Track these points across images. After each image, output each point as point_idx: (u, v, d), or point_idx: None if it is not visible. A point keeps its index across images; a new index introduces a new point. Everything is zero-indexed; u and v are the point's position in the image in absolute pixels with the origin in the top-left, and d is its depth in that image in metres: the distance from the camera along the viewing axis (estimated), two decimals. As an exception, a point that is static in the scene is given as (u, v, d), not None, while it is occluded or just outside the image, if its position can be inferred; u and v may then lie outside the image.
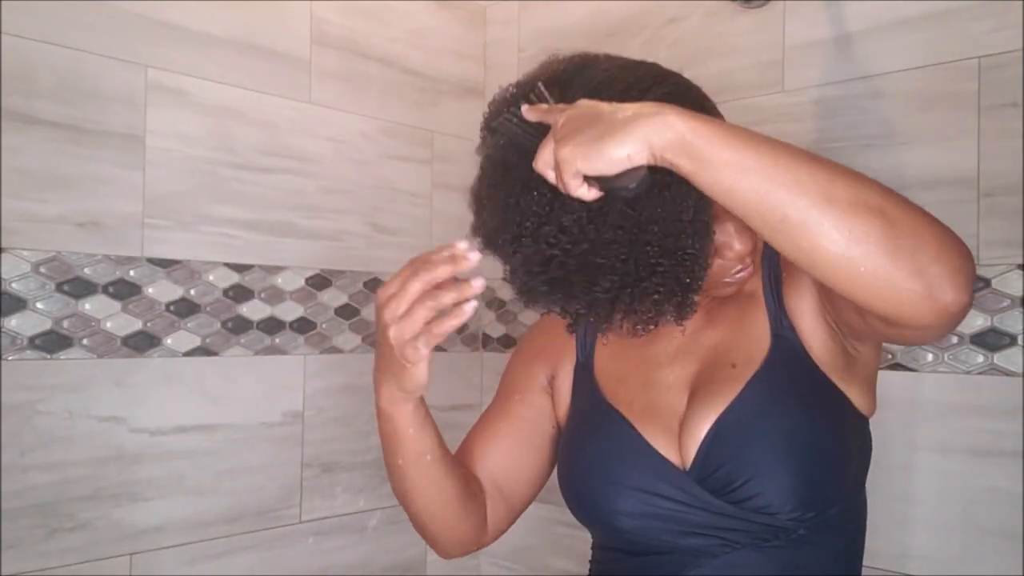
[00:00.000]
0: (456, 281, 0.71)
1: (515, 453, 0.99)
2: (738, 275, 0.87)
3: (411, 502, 0.91)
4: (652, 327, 0.83)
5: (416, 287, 0.70)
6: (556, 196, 0.75)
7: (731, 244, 0.84)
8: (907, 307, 0.64)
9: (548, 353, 1.02)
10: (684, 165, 0.66)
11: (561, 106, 0.74)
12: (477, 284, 0.71)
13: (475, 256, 0.71)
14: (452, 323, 0.70)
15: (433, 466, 0.87)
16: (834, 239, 0.63)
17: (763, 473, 0.81)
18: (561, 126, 0.71)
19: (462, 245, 0.71)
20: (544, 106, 0.76)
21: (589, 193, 0.71)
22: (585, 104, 0.72)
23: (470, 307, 0.70)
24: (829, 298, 0.84)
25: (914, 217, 0.64)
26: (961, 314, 0.65)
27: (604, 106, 0.70)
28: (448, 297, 0.70)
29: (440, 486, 0.89)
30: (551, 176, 0.72)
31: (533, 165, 0.73)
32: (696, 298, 0.82)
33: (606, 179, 0.69)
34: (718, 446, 0.83)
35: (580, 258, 0.77)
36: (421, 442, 0.85)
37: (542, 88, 0.78)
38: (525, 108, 0.76)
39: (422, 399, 0.83)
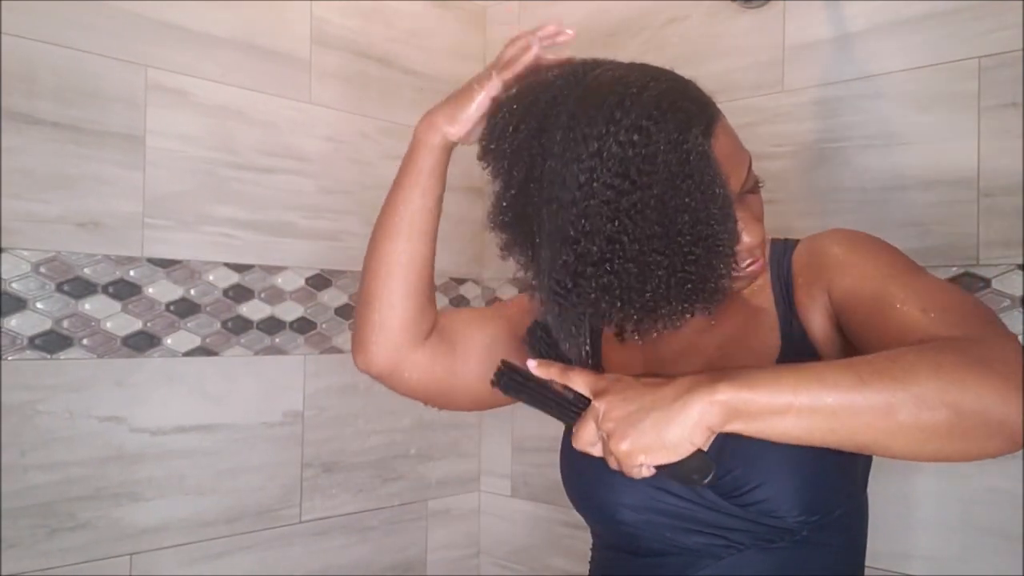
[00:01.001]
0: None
1: (481, 329, 0.98)
2: (748, 268, 0.85)
3: (381, 243, 0.91)
4: (684, 319, 0.81)
5: (521, 45, 0.89)
6: (585, 208, 0.75)
7: (740, 237, 0.83)
8: (1001, 451, 0.67)
9: None
10: (748, 431, 0.68)
11: (587, 378, 0.75)
12: (571, 31, 0.89)
13: (570, 31, 0.90)
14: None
15: (420, 209, 0.91)
16: (905, 451, 0.67)
17: (772, 479, 0.80)
18: (605, 415, 0.71)
19: (551, 27, 0.90)
20: (557, 367, 0.77)
21: (650, 471, 0.72)
22: (623, 386, 0.72)
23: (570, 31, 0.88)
24: (849, 327, 0.83)
25: (978, 387, 0.64)
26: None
27: (645, 389, 0.71)
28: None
29: (414, 234, 0.91)
30: (595, 452, 0.73)
31: (573, 444, 0.74)
32: (727, 283, 0.81)
33: (672, 465, 0.70)
34: (729, 450, 0.82)
35: (625, 259, 0.76)
36: (428, 177, 0.91)
37: (506, 365, 0.78)
38: (534, 364, 0.77)
39: (447, 158, 0.92)
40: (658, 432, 0.68)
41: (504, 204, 0.83)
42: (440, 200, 0.93)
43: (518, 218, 0.83)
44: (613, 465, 0.72)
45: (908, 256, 0.84)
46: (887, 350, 0.69)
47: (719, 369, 0.74)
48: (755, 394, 0.67)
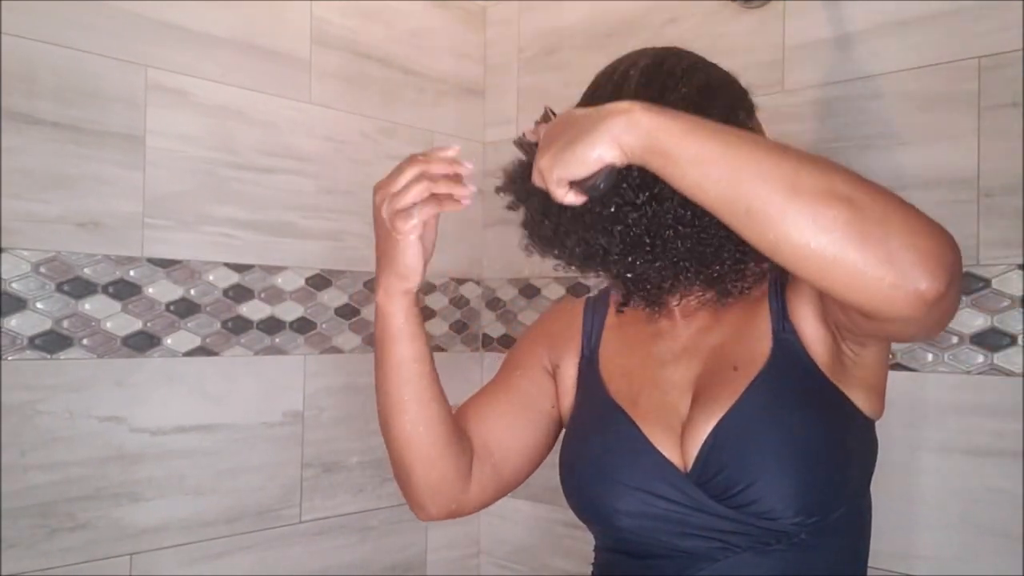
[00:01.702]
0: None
1: (510, 422, 0.98)
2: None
3: (394, 419, 0.88)
4: (737, 293, 0.82)
5: (412, 170, 0.78)
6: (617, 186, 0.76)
7: None
8: (879, 297, 0.63)
9: (554, 341, 1.02)
10: (653, 162, 0.67)
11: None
12: (470, 165, 0.78)
13: (469, 166, 0.78)
14: (449, 206, 0.78)
15: (421, 377, 0.87)
16: (800, 228, 0.63)
17: (763, 479, 0.80)
18: (542, 137, 0.74)
19: (452, 152, 0.78)
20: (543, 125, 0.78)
21: (577, 199, 0.73)
22: (563, 113, 0.75)
23: (467, 196, 0.78)
24: (822, 299, 0.84)
25: (885, 204, 0.63)
26: (941, 304, 0.63)
27: (579, 112, 0.72)
28: (442, 182, 0.77)
29: (426, 404, 0.88)
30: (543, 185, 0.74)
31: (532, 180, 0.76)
32: (765, 266, 0.82)
33: (582, 181, 0.71)
34: (718, 451, 0.82)
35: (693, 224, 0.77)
36: (412, 344, 0.86)
37: (550, 110, 0.80)
38: (528, 129, 0.79)
39: (417, 303, 0.86)
40: (572, 143, 0.69)
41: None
42: (431, 356, 0.89)
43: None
44: (537, 181, 0.74)
45: None
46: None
47: (715, 368, 0.74)
48: (675, 125, 0.66)
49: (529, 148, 0.80)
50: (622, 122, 0.68)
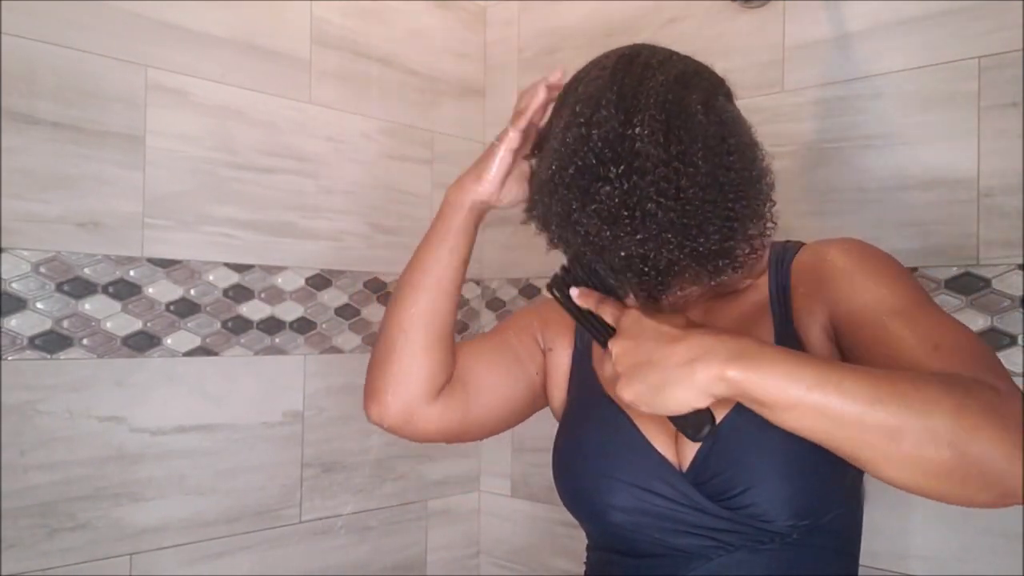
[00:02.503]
0: None
1: (492, 367, 0.99)
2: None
3: (404, 300, 0.94)
4: (708, 280, 0.83)
5: (537, 93, 0.92)
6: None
7: None
8: (984, 505, 0.67)
9: (548, 325, 1.03)
10: (750, 407, 0.70)
11: (615, 310, 0.80)
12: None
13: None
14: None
15: (448, 267, 0.94)
16: (904, 473, 0.66)
17: (760, 484, 0.80)
18: (617, 358, 0.76)
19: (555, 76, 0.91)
20: (595, 296, 0.82)
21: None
22: (638, 330, 0.75)
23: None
24: (852, 351, 0.83)
25: (986, 440, 0.64)
26: None
27: (657, 341, 0.73)
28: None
29: (439, 295, 0.93)
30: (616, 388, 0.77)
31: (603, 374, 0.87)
32: (757, 245, 0.83)
33: (672, 417, 0.75)
34: (716, 453, 0.82)
35: (685, 201, 0.77)
36: (455, 238, 0.94)
37: (575, 269, 0.85)
38: (575, 293, 0.83)
39: (478, 220, 0.95)
40: (660, 391, 0.71)
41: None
42: (467, 260, 0.96)
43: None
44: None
45: (913, 278, 0.83)
46: (911, 372, 0.68)
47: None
48: (767, 382, 0.67)
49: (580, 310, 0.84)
50: (712, 379, 0.68)
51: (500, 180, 0.93)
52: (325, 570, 1.48)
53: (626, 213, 0.77)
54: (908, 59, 1.18)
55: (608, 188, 0.77)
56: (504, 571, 1.71)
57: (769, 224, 0.84)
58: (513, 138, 0.92)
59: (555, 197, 0.81)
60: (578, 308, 0.83)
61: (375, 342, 0.98)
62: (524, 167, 0.95)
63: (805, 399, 0.66)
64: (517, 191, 0.95)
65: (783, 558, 0.82)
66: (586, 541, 1.00)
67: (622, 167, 0.76)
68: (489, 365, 0.99)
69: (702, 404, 0.70)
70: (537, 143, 0.93)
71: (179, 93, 1.30)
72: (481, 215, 0.96)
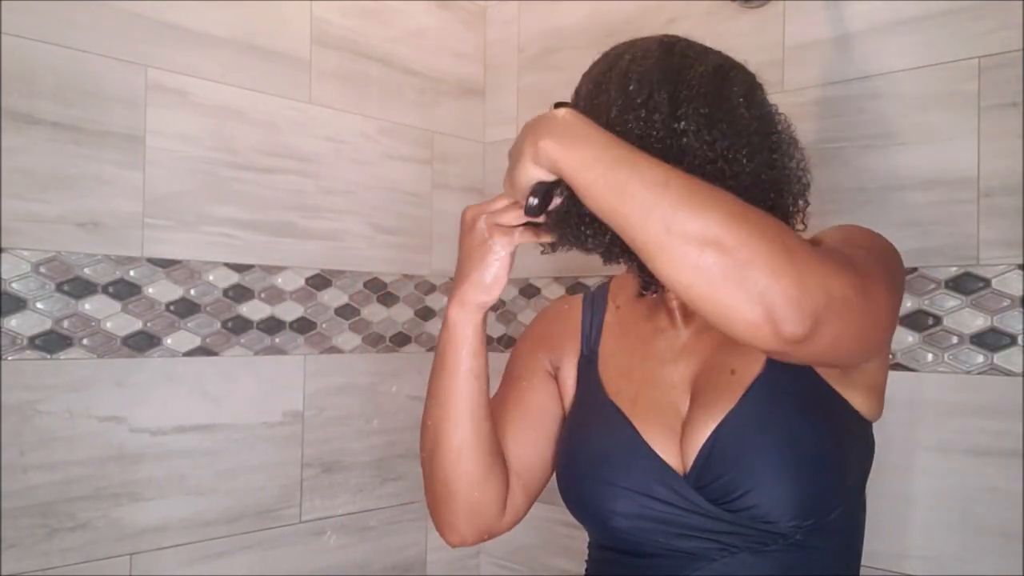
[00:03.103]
0: None
1: (527, 439, 0.97)
2: None
3: (446, 434, 0.88)
4: None
5: (507, 199, 0.84)
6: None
7: None
8: (747, 334, 0.65)
9: (552, 342, 1.02)
10: (568, 181, 0.73)
11: None
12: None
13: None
14: (543, 239, 0.86)
15: (479, 393, 0.88)
16: (672, 267, 0.66)
17: (762, 485, 0.80)
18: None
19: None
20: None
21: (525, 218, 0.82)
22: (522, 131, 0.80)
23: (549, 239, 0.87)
24: None
25: (754, 247, 0.63)
26: (811, 344, 0.64)
27: (521, 134, 0.77)
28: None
29: (479, 421, 0.88)
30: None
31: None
32: None
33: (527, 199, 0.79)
34: (717, 456, 0.82)
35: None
36: (475, 359, 0.87)
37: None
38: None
39: (485, 323, 0.88)
40: (512, 171, 0.77)
41: None
42: (486, 365, 0.90)
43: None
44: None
45: (884, 255, 0.81)
46: (728, 193, 0.68)
47: (713, 370, 0.74)
48: (571, 156, 0.71)
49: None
50: (532, 147, 0.73)
51: (505, 282, 0.86)
52: (325, 570, 1.48)
53: None
54: (908, 59, 1.18)
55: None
56: (504, 571, 1.71)
57: (799, 226, 0.83)
58: (513, 241, 0.84)
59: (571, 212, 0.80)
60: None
61: (428, 473, 0.92)
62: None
63: (600, 177, 0.68)
64: (506, 280, 0.88)
65: (786, 559, 0.82)
66: (587, 540, 1.00)
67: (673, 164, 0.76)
68: (526, 442, 0.97)
69: (537, 175, 0.75)
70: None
71: (179, 93, 1.30)
72: (487, 317, 0.90)
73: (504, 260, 0.84)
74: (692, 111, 0.77)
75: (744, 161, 0.77)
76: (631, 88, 0.80)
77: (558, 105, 0.83)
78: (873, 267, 0.73)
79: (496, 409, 0.97)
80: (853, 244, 0.78)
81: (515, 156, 0.77)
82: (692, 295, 0.66)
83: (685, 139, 0.77)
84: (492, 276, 0.84)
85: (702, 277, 0.64)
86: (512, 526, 0.97)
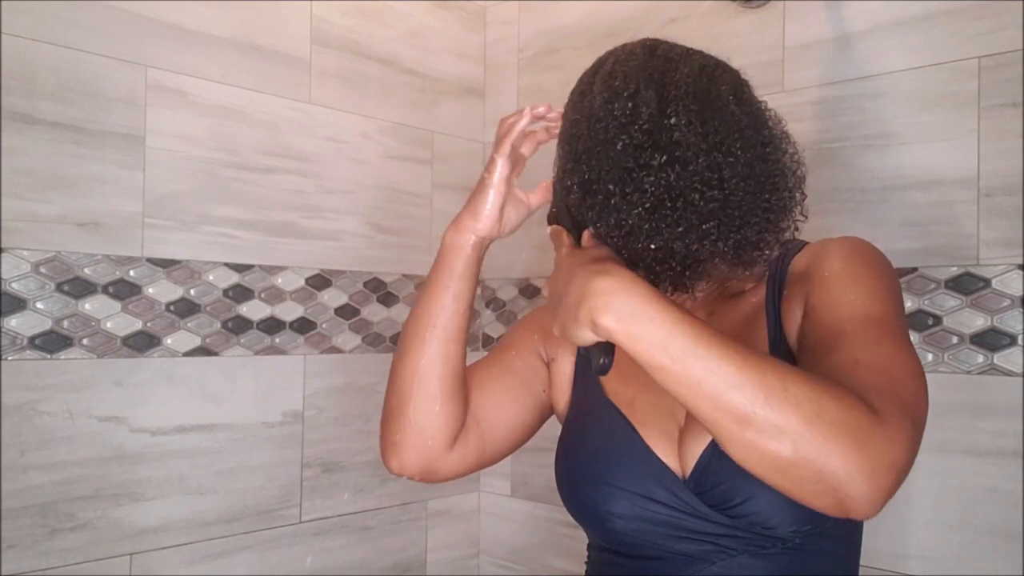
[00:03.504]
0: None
1: (501, 399, 0.98)
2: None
3: (412, 349, 0.90)
4: (730, 270, 0.83)
5: (515, 120, 0.91)
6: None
7: None
8: (822, 510, 0.67)
9: (549, 335, 1.01)
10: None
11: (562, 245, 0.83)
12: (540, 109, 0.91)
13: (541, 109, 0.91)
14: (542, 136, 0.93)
15: (455, 314, 0.90)
16: (744, 456, 0.66)
17: (762, 493, 0.79)
18: (548, 292, 0.79)
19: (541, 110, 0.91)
20: (557, 232, 0.86)
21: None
22: (557, 266, 0.79)
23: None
24: (800, 342, 0.82)
25: (832, 446, 0.64)
26: (876, 510, 0.67)
27: (563, 281, 0.75)
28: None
29: (448, 341, 0.90)
30: None
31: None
32: (780, 239, 0.82)
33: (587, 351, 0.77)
34: (717, 462, 0.82)
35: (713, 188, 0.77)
36: (458, 282, 0.90)
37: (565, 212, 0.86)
38: (548, 230, 0.88)
39: (479, 254, 0.92)
40: (567, 325, 0.73)
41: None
42: (472, 303, 0.93)
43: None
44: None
45: (895, 291, 0.81)
46: (794, 367, 0.68)
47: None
48: (636, 344, 0.68)
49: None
50: (591, 320, 0.70)
51: (498, 212, 0.90)
52: (325, 570, 1.48)
53: (669, 204, 0.76)
54: (908, 59, 1.18)
55: (652, 178, 0.76)
56: (504, 571, 1.71)
57: (799, 217, 0.83)
58: (502, 166, 0.89)
59: (594, 175, 0.78)
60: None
61: (387, 391, 0.94)
62: (516, 192, 0.93)
63: (669, 367, 0.67)
64: (515, 218, 0.93)
65: (785, 562, 0.82)
66: (587, 540, 1.00)
67: (664, 157, 0.76)
68: (499, 398, 0.98)
69: (594, 340, 0.72)
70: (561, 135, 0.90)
71: (179, 93, 1.30)
72: (483, 252, 0.93)
73: (496, 187, 0.89)
74: (682, 108, 0.77)
75: (739, 153, 0.76)
76: (616, 83, 0.80)
77: (551, 218, 0.87)
78: (913, 375, 0.73)
79: (478, 367, 0.99)
80: (876, 323, 0.77)
81: (567, 317, 0.73)
82: (762, 478, 0.67)
83: (676, 133, 0.76)
84: (484, 204, 0.90)
85: (775, 470, 0.65)
86: (457, 471, 0.95)
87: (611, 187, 0.77)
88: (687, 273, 0.80)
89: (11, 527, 1.13)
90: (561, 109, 0.89)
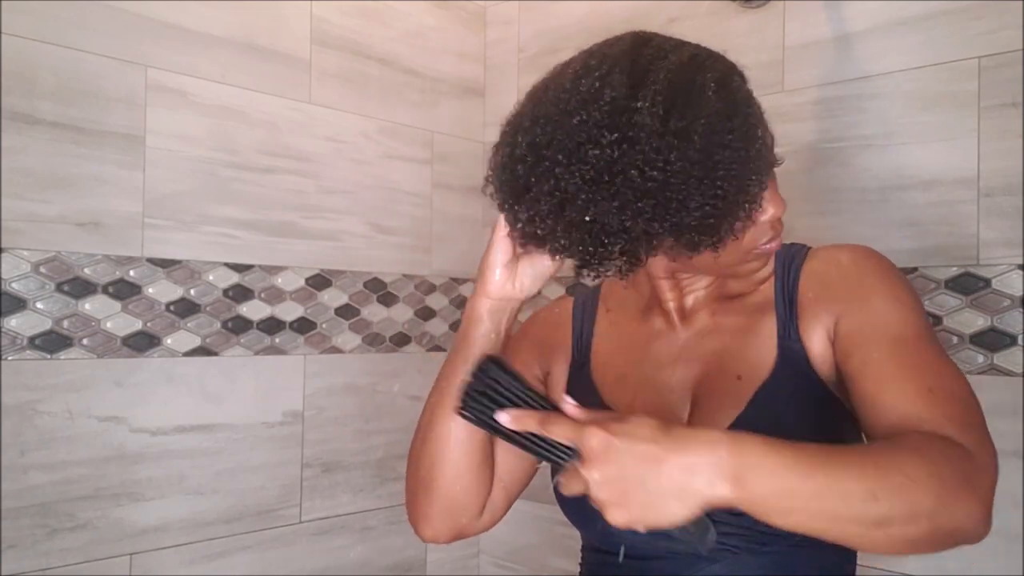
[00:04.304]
0: None
1: (514, 448, 0.97)
2: (766, 246, 0.85)
3: (440, 420, 0.88)
4: (680, 254, 0.81)
5: None
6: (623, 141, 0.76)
7: (765, 208, 0.83)
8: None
9: (543, 349, 1.01)
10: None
11: (570, 428, 0.70)
12: None
13: None
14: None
15: None
16: (885, 549, 0.72)
17: None
18: (597, 485, 0.68)
19: None
20: (535, 418, 0.72)
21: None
22: (615, 455, 0.67)
23: None
24: (844, 367, 0.82)
25: (959, 516, 0.71)
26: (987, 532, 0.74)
27: (641, 466, 0.66)
28: None
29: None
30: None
31: (561, 491, 0.72)
32: (740, 227, 0.80)
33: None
34: None
35: (665, 182, 0.75)
36: (477, 349, 0.87)
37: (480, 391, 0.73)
38: (507, 419, 0.72)
39: (497, 319, 0.87)
40: (655, 511, 0.66)
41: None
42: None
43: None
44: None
45: (919, 301, 0.84)
46: (893, 446, 0.71)
47: (717, 375, 0.74)
48: (763, 504, 0.66)
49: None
50: (705, 498, 0.65)
51: (505, 270, 0.86)
52: (325, 570, 1.48)
53: (607, 178, 0.75)
54: (908, 59, 1.18)
55: (597, 152, 0.75)
56: (504, 571, 1.71)
57: (753, 205, 0.80)
58: (505, 219, 0.84)
59: (545, 139, 0.77)
60: (509, 429, 0.71)
61: (411, 463, 0.92)
62: (536, 255, 0.87)
63: (803, 508, 0.67)
64: (532, 272, 0.86)
65: (786, 559, 0.82)
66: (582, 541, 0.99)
67: (616, 135, 0.75)
68: (508, 449, 0.94)
69: (697, 514, 0.67)
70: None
71: (179, 93, 1.30)
72: (505, 315, 0.88)
73: (498, 245, 0.85)
74: (653, 93, 0.76)
75: (697, 139, 0.75)
76: (592, 63, 0.79)
77: (481, 365, 0.74)
78: (968, 390, 0.79)
79: None
80: (925, 340, 0.80)
81: (657, 499, 0.66)
82: (901, 555, 0.75)
83: (636, 116, 0.75)
84: (487, 264, 0.86)
85: (915, 548, 0.72)
86: (488, 528, 0.97)
87: (560, 156, 0.76)
88: (622, 252, 0.78)
89: (11, 527, 1.13)
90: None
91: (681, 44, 0.84)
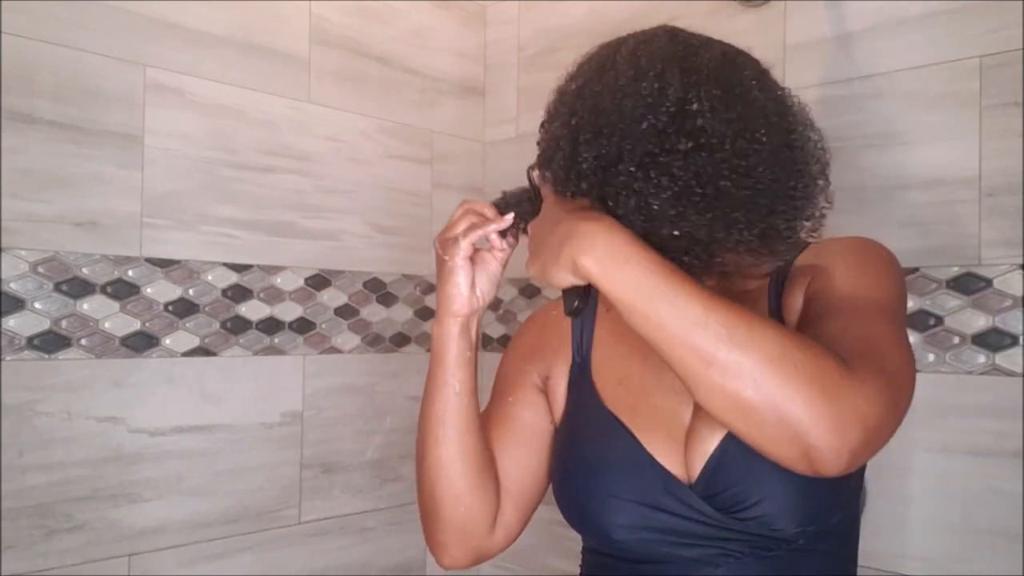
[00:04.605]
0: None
1: (517, 457, 0.96)
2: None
3: (430, 449, 0.90)
4: (745, 259, 0.81)
5: (460, 209, 0.89)
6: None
7: None
8: (784, 464, 0.68)
9: (541, 352, 1.00)
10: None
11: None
12: (508, 217, 0.88)
13: (509, 218, 0.88)
14: (491, 237, 0.89)
15: (461, 408, 0.89)
16: (709, 399, 0.68)
17: (771, 495, 0.79)
18: (530, 238, 0.83)
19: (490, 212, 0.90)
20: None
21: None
22: (543, 215, 0.82)
23: (501, 226, 0.88)
24: (800, 320, 0.82)
25: (793, 389, 0.65)
26: (845, 471, 0.67)
27: (548, 226, 0.79)
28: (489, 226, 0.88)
29: (460, 435, 0.89)
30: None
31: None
32: (800, 229, 0.81)
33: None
34: (727, 466, 0.81)
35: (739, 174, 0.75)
36: (455, 372, 0.89)
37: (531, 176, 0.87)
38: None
39: (466, 334, 0.90)
40: (546, 267, 0.77)
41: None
42: (474, 388, 0.91)
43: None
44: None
45: (898, 288, 0.81)
46: (767, 321, 0.69)
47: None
48: (609, 283, 0.72)
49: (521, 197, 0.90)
50: (571, 261, 0.74)
51: (469, 290, 0.88)
52: (324, 571, 1.48)
53: (699, 191, 0.73)
54: (909, 58, 1.18)
55: (680, 163, 0.73)
56: (503, 571, 1.70)
57: (824, 204, 0.81)
58: (465, 247, 0.86)
59: (621, 151, 0.75)
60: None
61: (417, 490, 0.95)
62: (480, 258, 0.90)
63: (639, 307, 0.70)
64: (487, 285, 0.90)
65: (788, 563, 0.82)
66: (582, 543, 0.99)
67: (691, 143, 0.73)
68: (516, 457, 0.96)
69: (573, 283, 0.75)
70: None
71: (178, 92, 1.30)
72: (472, 328, 0.91)
73: (462, 267, 0.87)
74: (704, 93, 0.74)
75: (764, 140, 0.74)
76: (642, 62, 0.78)
77: (532, 168, 0.87)
78: (901, 353, 0.73)
79: (485, 425, 0.97)
80: (873, 303, 0.77)
81: (548, 258, 0.76)
82: (727, 424, 0.69)
83: (700, 119, 0.74)
84: (450, 287, 0.87)
85: (739, 413, 0.66)
86: (505, 545, 0.97)
87: (632, 169, 0.74)
88: (709, 261, 0.78)
89: (9, 528, 1.13)
90: (510, 217, 0.88)
91: (708, 40, 0.84)
